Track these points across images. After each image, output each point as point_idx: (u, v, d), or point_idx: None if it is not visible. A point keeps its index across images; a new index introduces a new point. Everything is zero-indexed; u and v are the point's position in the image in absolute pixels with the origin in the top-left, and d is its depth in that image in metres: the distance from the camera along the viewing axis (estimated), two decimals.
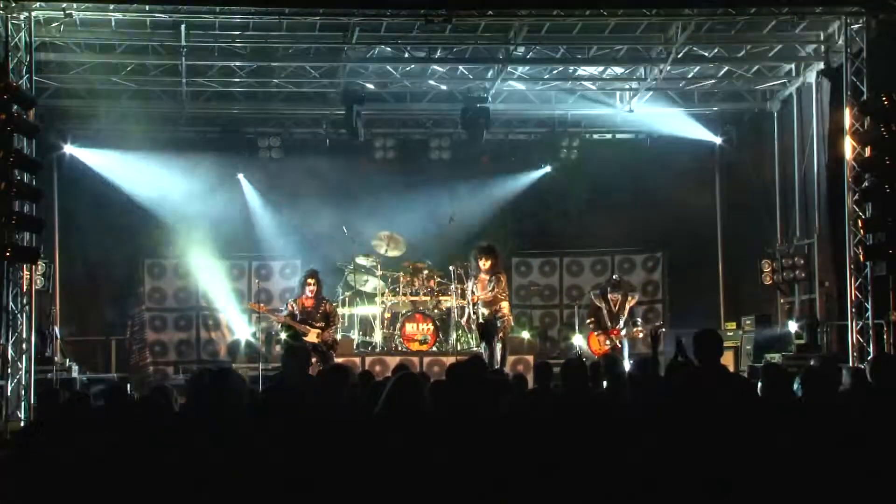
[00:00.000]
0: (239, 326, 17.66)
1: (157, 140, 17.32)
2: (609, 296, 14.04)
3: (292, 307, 13.53)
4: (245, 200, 18.22)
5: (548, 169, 18.76)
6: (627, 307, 14.00)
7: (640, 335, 14.16)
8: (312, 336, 13.29)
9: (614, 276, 15.16)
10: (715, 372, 6.35)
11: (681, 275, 18.73)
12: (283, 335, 13.70)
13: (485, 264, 13.52)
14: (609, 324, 13.89)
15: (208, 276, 17.99)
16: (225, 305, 18.03)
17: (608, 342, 13.85)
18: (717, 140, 18.69)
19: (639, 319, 14.34)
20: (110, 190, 17.45)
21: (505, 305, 13.56)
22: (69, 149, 17.32)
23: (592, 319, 14.14)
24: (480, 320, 13.50)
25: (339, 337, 14.32)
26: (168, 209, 17.69)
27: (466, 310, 14.21)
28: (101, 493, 5.75)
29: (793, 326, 15.79)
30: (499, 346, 13.33)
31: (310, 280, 13.54)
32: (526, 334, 16.51)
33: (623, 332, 13.94)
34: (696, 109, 18.41)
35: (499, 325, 13.36)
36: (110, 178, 17.44)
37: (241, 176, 18.20)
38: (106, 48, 15.41)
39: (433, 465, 5.80)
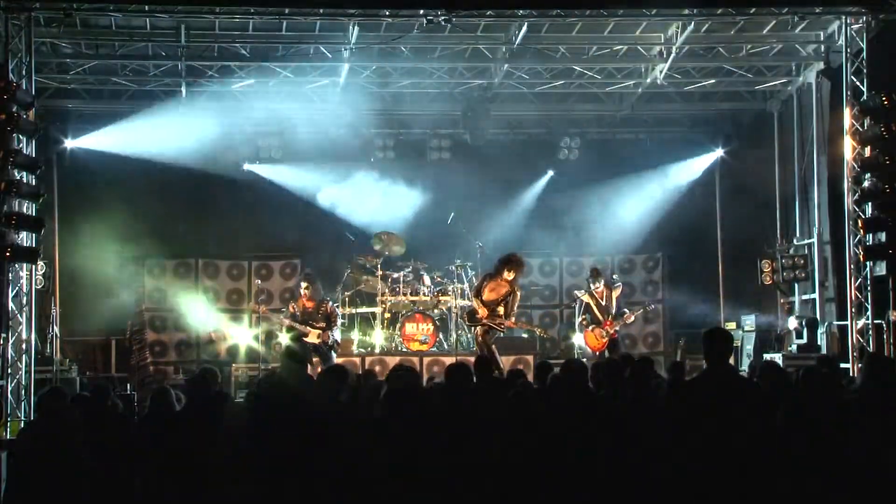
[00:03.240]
0: (239, 329, 17.64)
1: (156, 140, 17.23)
2: (593, 289, 14.32)
3: (293, 308, 13.87)
4: (245, 200, 18.16)
5: (551, 174, 18.74)
6: (615, 297, 14.30)
7: (630, 320, 14.60)
8: (313, 337, 13.44)
9: (592, 268, 15.27)
10: (721, 374, 6.23)
11: (681, 275, 18.70)
12: (286, 336, 13.77)
13: (510, 275, 13.13)
14: (601, 317, 14.19)
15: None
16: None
17: (604, 335, 14.14)
18: (717, 140, 18.68)
19: (625, 310, 14.46)
20: (110, 190, 17.42)
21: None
22: (70, 142, 17.21)
23: (584, 316, 14.47)
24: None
25: (339, 337, 14.33)
26: (168, 209, 17.69)
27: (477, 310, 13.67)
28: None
29: (792, 323, 15.79)
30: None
31: (302, 283, 14.09)
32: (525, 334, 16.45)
33: (615, 322, 14.23)
34: (696, 109, 18.42)
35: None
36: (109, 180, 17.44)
37: (245, 168, 18.13)
38: (106, 48, 15.41)
39: (432, 463, 5.80)
